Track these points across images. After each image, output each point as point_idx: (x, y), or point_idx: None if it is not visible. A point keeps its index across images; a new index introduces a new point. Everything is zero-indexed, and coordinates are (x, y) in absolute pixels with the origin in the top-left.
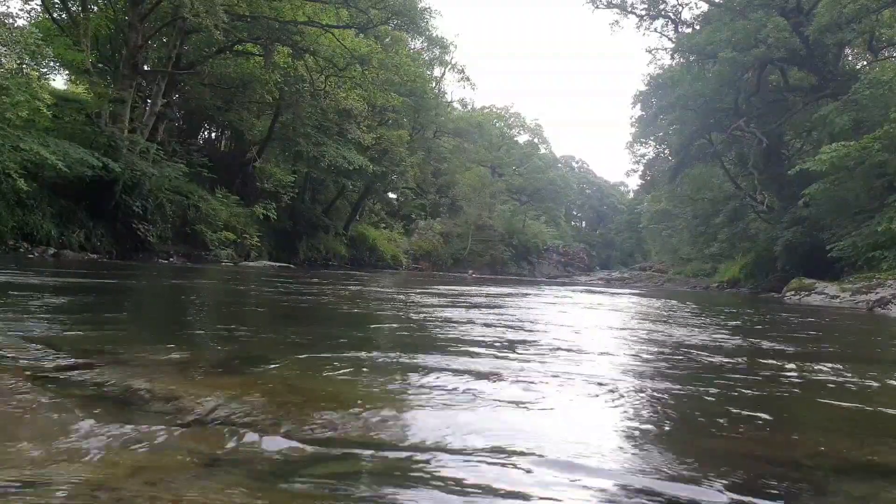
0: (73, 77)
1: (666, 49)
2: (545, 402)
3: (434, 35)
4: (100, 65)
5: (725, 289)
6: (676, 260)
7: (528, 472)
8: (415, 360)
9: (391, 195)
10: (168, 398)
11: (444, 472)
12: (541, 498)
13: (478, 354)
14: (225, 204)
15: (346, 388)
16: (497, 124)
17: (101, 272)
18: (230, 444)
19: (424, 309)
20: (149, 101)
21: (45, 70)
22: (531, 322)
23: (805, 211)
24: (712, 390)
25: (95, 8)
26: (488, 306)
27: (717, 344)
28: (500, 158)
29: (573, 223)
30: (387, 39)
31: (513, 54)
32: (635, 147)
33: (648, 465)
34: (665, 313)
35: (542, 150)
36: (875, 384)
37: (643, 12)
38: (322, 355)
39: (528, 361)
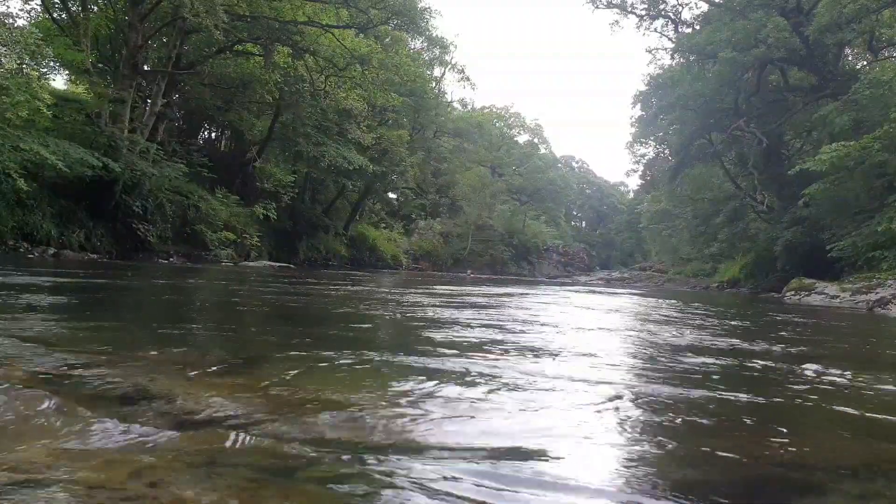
0: (73, 77)
1: (666, 49)
2: (542, 408)
3: (434, 35)
4: (100, 65)
5: (725, 289)
6: (676, 260)
7: (530, 473)
8: (411, 362)
9: (391, 195)
10: (168, 398)
11: (444, 475)
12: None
13: (472, 356)
14: (225, 204)
15: (344, 389)
16: (497, 124)
17: (101, 272)
18: (229, 445)
19: (421, 310)
20: (149, 101)
21: (45, 70)
22: (526, 322)
23: (805, 211)
24: (711, 390)
25: (95, 8)
26: (482, 307)
27: (717, 344)
28: (500, 158)
29: (573, 223)
30: (387, 39)
31: (513, 54)
32: (635, 147)
33: (648, 466)
34: (664, 314)
35: (542, 150)
36: (875, 384)
37: (643, 12)
38: (321, 356)
39: (523, 363)
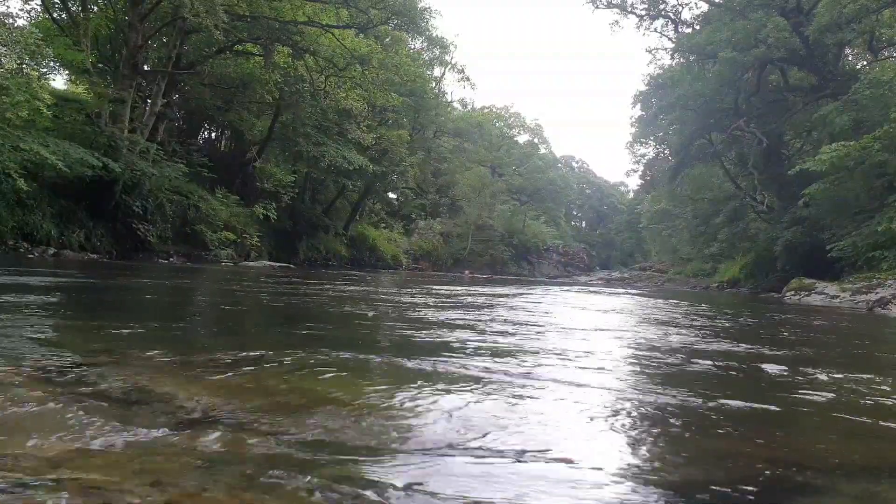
0: (73, 77)
1: (666, 49)
2: (533, 403)
3: (434, 35)
4: (100, 65)
5: (725, 289)
6: (676, 260)
7: (525, 474)
8: (410, 363)
9: (391, 195)
10: (168, 398)
11: (443, 475)
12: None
13: (470, 358)
14: (225, 204)
15: (344, 389)
16: (497, 124)
17: (101, 272)
18: (230, 445)
19: (418, 311)
20: (149, 101)
21: (45, 70)
22: (521, 324)
23: (805, 211)
24: (710, 391)
25: (95, 8)
26: (478, 307)
27: (716, 344)
28: (500, 158)
29: (573, 223)
30: (387, 39)
31: (513, 54)
32: (635, 147)
33: (647, 466)
34: (664, 314)
35: (542, 150)
36: (875, 385)
37: (643, 12)
38: (321, 356)
39: (521, 365)
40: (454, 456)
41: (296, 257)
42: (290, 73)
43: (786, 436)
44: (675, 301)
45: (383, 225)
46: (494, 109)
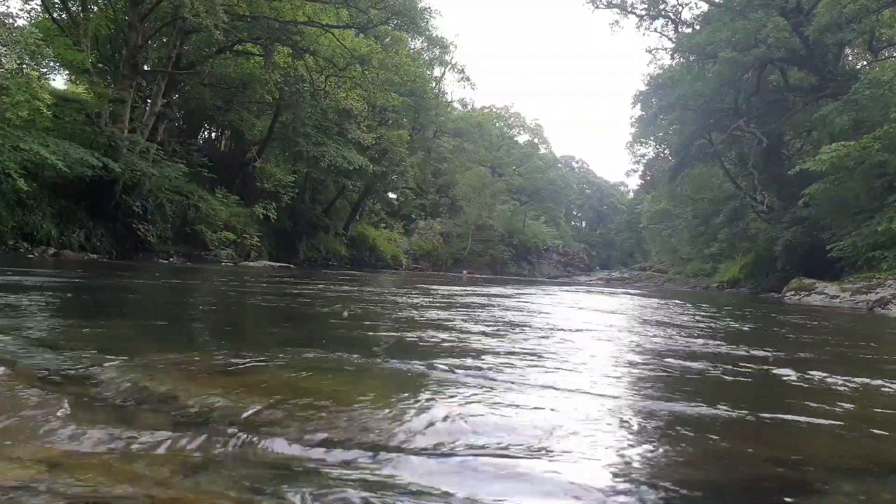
0: (73, 77)
1: (666, 49)
2: (535, 412)
3: (434, 35)
4: (100, 65)
5: (725, 289)
6: (676, 260)
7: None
8: (408, 364)
9: (391, 195)
10: (168, 398)
11: (442, 475)
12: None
13: (473, 359)
14: (225, 204)
15: (345, 390)
16: (497, 124)
17: (101, 272)
18: (230, 445)
19: (416, 311)
20: (149, 101)
21: (45, 70)
22: (506, 324)
23: (805, 211)
24: (709, 391)
25: (95, 8)
26: (474, 307)
27: (715, 344)
28: (500, 158)
29: (573, 223)
30: (387, 39)
31: (513, 54)
32: (635, 147)
33: (648, 467)
34: (663, 314)
35: (542, 150)
36: (874, 385)
37: (643, 12)
38: (321, 356)
39: (517, 366)
40: (469, 460)
41: (296, 257)
42: (290, 73)
43: (787, 435)
44: (674, 301)
45: (383, 225)
46: (494, 109)
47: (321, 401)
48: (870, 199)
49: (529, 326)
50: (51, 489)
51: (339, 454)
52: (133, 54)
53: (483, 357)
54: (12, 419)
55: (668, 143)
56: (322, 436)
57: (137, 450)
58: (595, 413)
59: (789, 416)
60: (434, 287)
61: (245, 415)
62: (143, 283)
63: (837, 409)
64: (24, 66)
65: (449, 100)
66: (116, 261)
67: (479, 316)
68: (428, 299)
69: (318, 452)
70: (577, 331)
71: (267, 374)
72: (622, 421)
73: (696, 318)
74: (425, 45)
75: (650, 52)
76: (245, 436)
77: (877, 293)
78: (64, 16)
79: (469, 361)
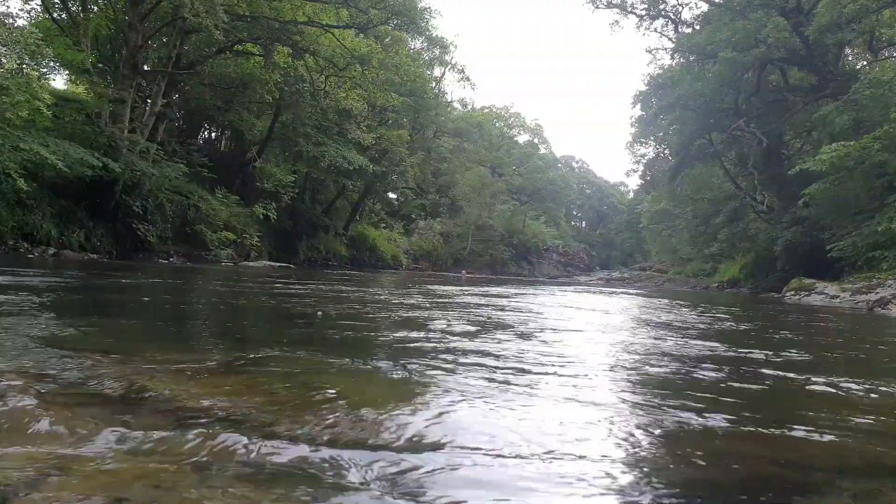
0: (73, 77)
1: (666, 49)
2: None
3: (434, 35)
4: (100, 65)
5: (725, 289)
6: (676, 260)
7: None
8: (407, 365)
9: (391, 195)
10: (168, 398)
11: (443, 476)
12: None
13: (473, 360)
14: (225, 204)
15: (345, 390)
16: (497, 124)
17: (101, 272)
18: (231, 445)
19: (412, 312)
20: (149, 101)
21: (45, 70)
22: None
23: (805, 211)
24: (710, 391)
25: (95, 8)
26: (470, 307)
27: (715, 344)
28: (500, 158)
29: (573, 223)
30: (387, 39)
31: (513, 54)
32: (635, 147)
33: (648, 467)
34: (663, 314)
35: (542, 150)
36: (874, 385)
37: (643, 12)
38: (320, 356)
39: (514, 367)
40: (470, 463)
41: (296, 257)
42: (290, 73)
43: (786, 435)
44: (673, 301)
45: (383, 225)
46: (494, 109)
47: (324, 401)
48: (870, 199)
49: (512, 326)
50: (53, 488)
51: (341, 454)
52: (133, 54)
53: (462, 358)
54: (13, 419)
55: (668, 143)
56: (326, 436)
57: (140, 449)
58: (590, 417)
59: (789, 416)
60: (432, 287)
61: (245, 414)
62: (143, 283)
63: (837, 409)
64: (24, 66)
65: (449, 100)
66: (116, 261)
67: (467, 316)
68: (422, 300)
69: (321, 452)
70: (574, 331)
71: (267, 373)
72: (611, 428)
73: (696, 318)
74: (425, 45)
75: (650, 52)
76: (246, 435)
77: (877, 293)
78: (64, 16)
79: (444, 362)
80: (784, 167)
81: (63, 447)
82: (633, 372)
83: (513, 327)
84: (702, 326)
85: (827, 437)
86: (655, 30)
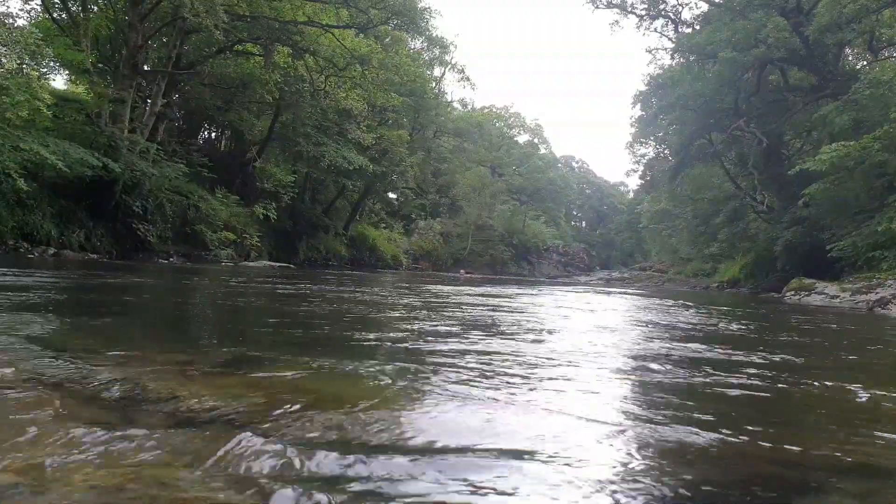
0: (73, 77)
1: (666, 49)
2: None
3: (434, 35)
4: (100, 65)
5: (725, 289)
6: (676, 260)
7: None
8: (406, 365)
9: (391, 195)
10: (169, 398)
11: (444, 476)
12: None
13: (473, 362)
14: (225, 204)
15: (345, 390)
16: (497, 124)
17: (101, 272)
18: (231, 445)
19: (411, 312)
20: (149, 101)
21: (45, 70)
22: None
23: (805, 211)
24: (710, 391)
25: (95, 8)
26: (468, 307)
27: (714, 344)
28: (500, 158)
29: (573, 223)
30: (387, 39)
31: (513, 54)
32: (635, 147)
33: (647, 467)
34: (663, 314)
35: (542, 150)
36: (874, 385)
37: (643, 12)
38: (320, 356)
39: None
40: (471, 463)
41: (296, 257)
42: (290, 73)
43: (786, 435)
44: (673, 302)
45: (383, 225)
46: (494, 109)
47: (324, 401)
48: (870, 199)
49: (551, 330)
50: (53, 488)
51: (341, 454)
52: (133, 54)
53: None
54: (13, 419)
55: (668, 143)
56: (326, 436)
57: (140, 449)
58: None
59: (789, 416)
60: (430, 287)
61: (246, 415)
62: (143, 283)
63: (837, 409)
64: (24, 66)
65: (449, 100)
66: (116, 261)
67: (457, 316)
68: (417, 300)
69: (323, 452)
70: (574, 331)
71: (267, 373)
72: (603, 431)
73: (696, 317)
74: (425, 45)
75: (650, 52)
76: (247, 435)
77: (877, 293)
78: (64, 16)
79: (426, 363)
80: (784, 167)
81: (62, 446)
82: (632, 372)
83: (513, 327)
84: (701, 326)
85: (827, 438)
86: (655, 30)
